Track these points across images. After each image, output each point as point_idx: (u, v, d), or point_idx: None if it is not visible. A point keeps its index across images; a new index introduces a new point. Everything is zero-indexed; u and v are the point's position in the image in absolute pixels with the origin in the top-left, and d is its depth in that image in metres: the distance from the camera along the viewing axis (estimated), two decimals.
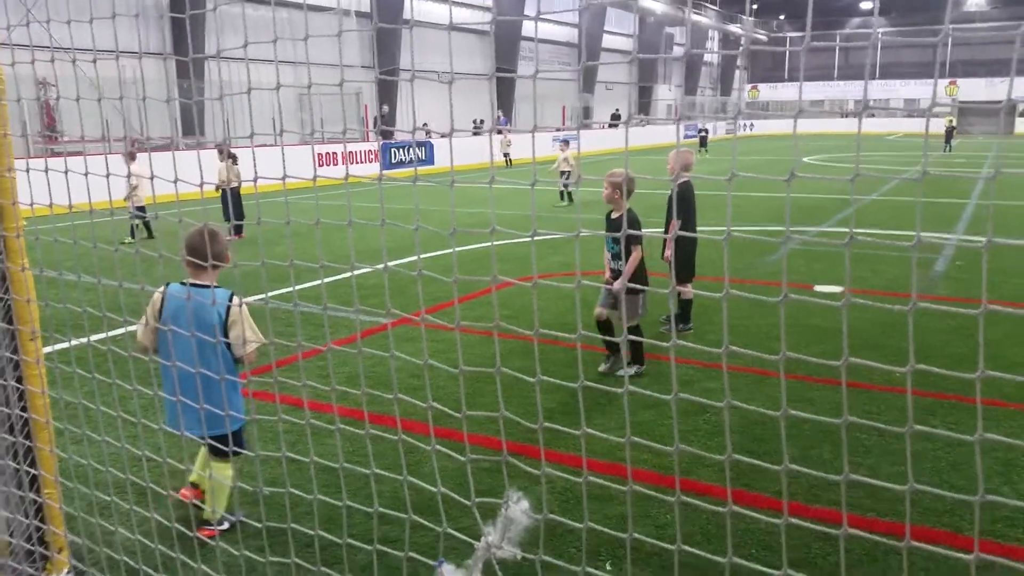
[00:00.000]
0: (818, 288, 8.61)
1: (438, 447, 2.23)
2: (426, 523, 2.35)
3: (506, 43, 38.38)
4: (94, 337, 3.07)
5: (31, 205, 2.97)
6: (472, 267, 10.16)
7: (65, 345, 3.14)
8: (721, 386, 4.49)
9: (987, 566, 2.51)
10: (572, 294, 1.91)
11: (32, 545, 3.15)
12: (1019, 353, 6.23)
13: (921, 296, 8.13)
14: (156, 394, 3.13)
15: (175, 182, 2.41)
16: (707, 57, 61.33)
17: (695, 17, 51.65)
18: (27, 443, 3.10)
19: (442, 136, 26.49)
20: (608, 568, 3.44)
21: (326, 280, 8.92)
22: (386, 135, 27.62)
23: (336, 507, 2.44)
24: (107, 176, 2.71)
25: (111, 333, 3.16)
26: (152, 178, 2.50)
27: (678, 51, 54.64)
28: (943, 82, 55.02)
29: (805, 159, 29.67)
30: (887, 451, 4.58)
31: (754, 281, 9.11)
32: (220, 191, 12.68)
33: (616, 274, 5.78)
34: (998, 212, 14.67)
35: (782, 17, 66.38)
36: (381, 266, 2.22)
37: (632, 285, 4.26)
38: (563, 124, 38.02)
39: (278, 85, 2.23)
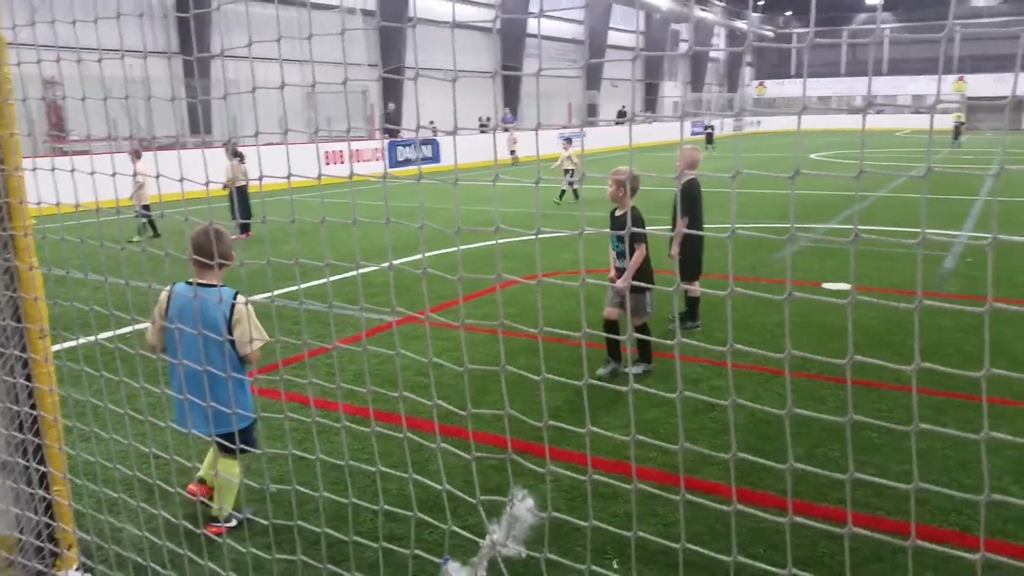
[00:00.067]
0: (827, 285, 8.58)
1: (443, 445, 2.24)
2: (432, 521, 2.35)
3: (512, 40, 38.34)
4: (102, 335, 3.08)
5: (38, 204, 2.98)
6: (478, 265, 10.17)
7: (73, 343, 3.15)
8: (732, 384, 4.49)
9: (994, 566, 2.50)
10: (579, 292, 1.91)
11: (42, 542, 3.17)
12: None
13: (931, 294, 8.09)
14: (163, 392, 3.15)
15: (181, 181, 2.42)
16: (713, 53, 61.17)
17: (701, 13, 51.50)
18: (36, 440, 3.12)
19: (447, 134, 26.50)
20: (615, 566, 3.44)
21: (333, 278, 8.96)
22: (391, 133, 27.63)
23: (343, 505, 2.44)
24: (113, 175, 2.73)
25: (119, 331, 3.17)
26: (158, 177, 2.51)
27: (682, 48, 54.47)
28: (951, 78, 54.73)
29: (813, 156, 29.57)
30: (896, 449, 4.56)
31: (765, 279, 9.08)
32: (227, 190, 12.73)
33: (621, 272, 5.76)
34: (1008, 209, 14.59)
35: (789, 13, 66.13)
36: (386, 264, 2.23)
37: (637, 283, 4.25)
38: (569, 121, 37.97)
39: (282, 84, 2.23)
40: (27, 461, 3.11)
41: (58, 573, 3.21)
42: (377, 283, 8.95)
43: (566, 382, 2.10)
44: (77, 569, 3.22)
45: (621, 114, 43.32)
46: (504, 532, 2.27)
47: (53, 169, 2.77)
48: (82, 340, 3.14)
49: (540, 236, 2.03)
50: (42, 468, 3.15)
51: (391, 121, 29.32)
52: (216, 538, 3.49)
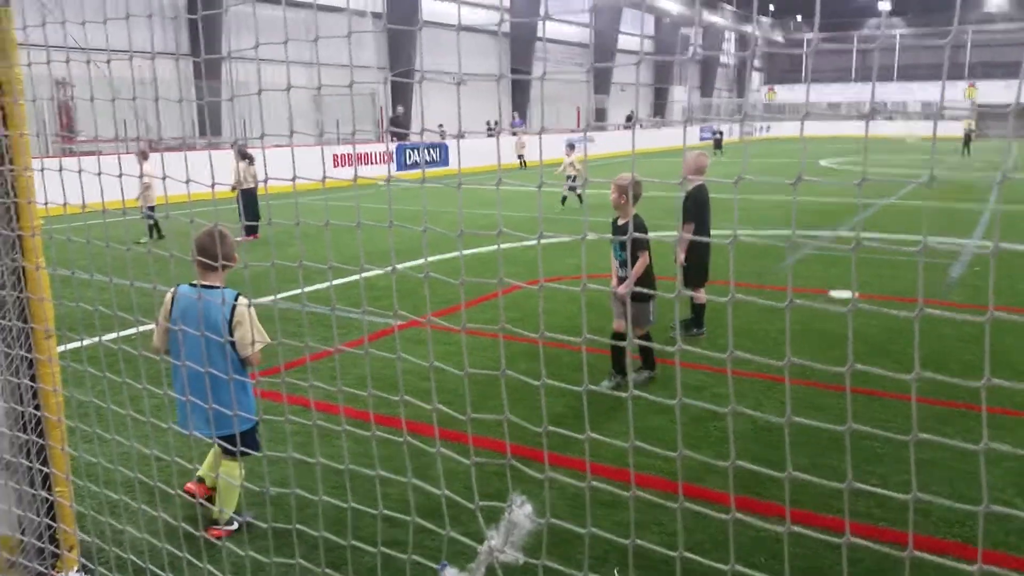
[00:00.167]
0: (833, 293, 8.54)
1: (443, 450, 2.23)
2: (430, 526, 2.35)
3: (522, 44, 38.39)
4: (106, 337, 3.09)
5: (46, 204, 3.00)
6: (483, 269, 10.17)
7: (77, 344, 3.17)
8: (733, 392, 4.47)
9: None
10: (581, 298, 1.91)
11: (43, 543, 3.18)
12: None
13: (935, 302, 8.04)
14: (166, 394, 3.16)
15: (187, 182, 2.43)
16: (724, 58, 61.11)
17: (711, 18, 51.44)
18: (40, 441, 3.13)
19: (454, 137, 26.52)
20: (616, 574, 3.43)
21: (338, 282, 8.97)
22: (399, 136, 27.70)
23: (343, 509, 2.44)
24: (120, 176, 2.74)
25: (122, 333, 3.18)
26: (164, 178, 2.52)
27: (691, 52, 54.40)
28: (962, 84, 54.48)
29: (822, 162, 29.48)
30: (899, 459, 4.53)
31: (771, 286, 9.05)
32: (235, 192, 12.77)
33: (623, 282, 5.72)
34: (1015, 217, 14.51)
35: (799, 18, 66.01)
36: (390, 268, 2.23)
37: (639, 290, 4.22)
38: (578, 126, 37.96)
39: (288, 86, 2.24)
40: (30, 462, 3.12)
41: (58, 575, 3.22)
42: (382, 287, 8.96)
43: (568, 388, 2.10)
44: (78, 571, 3.23)
45: (630, 119, 43.31)
46: (502, 538, 2.26)
47: (61, 170, 2.79)
48: (87, 341, 3.16)
49: (543, 241, 2.02)
50: (45, 469, 3.16)
51: (401, 124, 29.36)
52: (216, 541, 3.50)
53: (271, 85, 2.26)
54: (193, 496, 3.75)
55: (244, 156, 13.12)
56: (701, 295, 6.97)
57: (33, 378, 3.13)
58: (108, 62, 2.53)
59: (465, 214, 2.16)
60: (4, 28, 2.94)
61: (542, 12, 37.74)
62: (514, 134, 28.19)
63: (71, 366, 3.31)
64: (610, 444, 2.02)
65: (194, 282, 3.59)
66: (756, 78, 68.19)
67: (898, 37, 59.40)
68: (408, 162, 26.38)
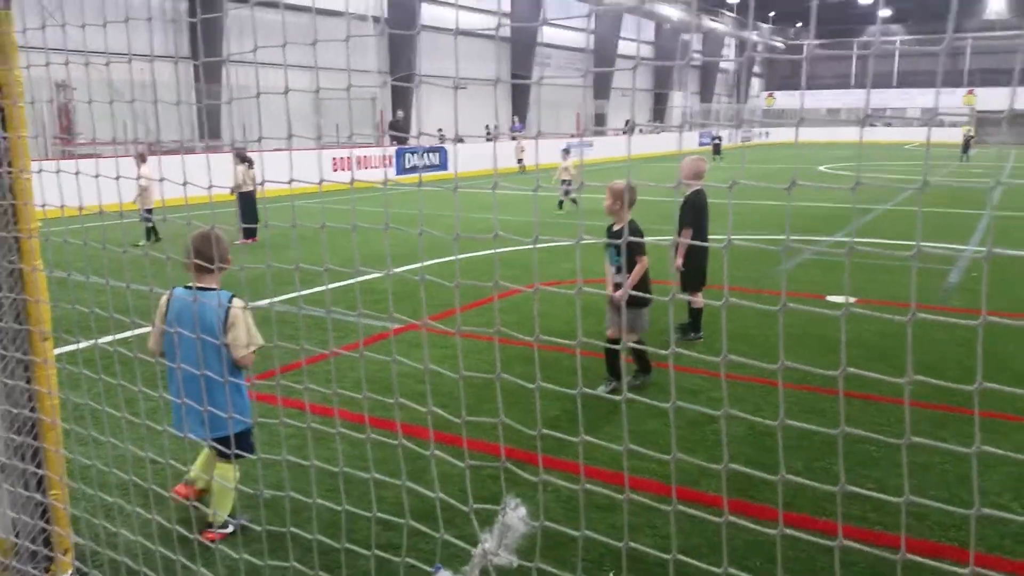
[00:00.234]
0: (831, 298, 8.55)
1: (438, 453, 2.23)
2: (425, 529, 2.35)
3: (522, 49, 38.45)
4: (102, 339, 3.09)
5: (43, 206, 3.00)
6: (480, 273, 10.17)
7: (73, 347, 3.16)
8: (729, 396, 4.47)
9: None
10: (576, 302, 1.91)
11: (37, 546, 3.17)
12: None
13: (933, 307, 8.05)
14: (161, 396, 3.15)
15: (184, 185, 2.43)
16: (723, 64, 61.23)
17: (711, 24, 51.54)
18: (35, 444, 3.12)
19: (452, 142, 26.55)
20: None
21: (335, 285, 8.97)
22: (398, 140, 27.71)
23: (338, 512, 2.44)
24: (117, 179, 2.74)
25: (118, 336, 3.18)
26: (161, 180, 2.52)
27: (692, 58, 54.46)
28: (961, 91, 54.61)
29: (822, 168, 29.51)
30: (895, 463, 4.53)
31: (768, 291, 9.05)
32: (234, 195, 12.79)
33: (619, 288, 5.70)
34: (1012, 223, 14.53)
35: (799, 24, 66.15)
36: (386, 271, 2.23)
37: (635, 294, 4.20)
38: (577, 130, 38.00)
39: (286, 89, 2.24)
40: (25, 464, 3.12)
41: None
42: (379, 290, 8.96)
43: (563, 391, 2.10)
44: (71, 574, 3.22)
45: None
46: (496, 541, 2.26)
47: (58, 172, 2.79)
48: (82, 344, 3.15)
49: (539, 245, 2.03)
50: (40, 472, 3.15)
51: (400, 128, 29.38)
52: (210, 544, 3.49)
53: (270, 89, 2.27)
54: (186, 499, 3.74)
55: (243, 159, 13.14)
56: (699, 299, 6.97)
57: (29, 380, 3.13)
58: (107, 64, 2.54)
59: (462, 218, 2.17)
60: (4, 31, 2.95)
61: (542, 17, 37.80)
62: (514, 138, 28.21)
63: (67, 368, 3.31)
64: (605, 447, 2.02)
65: (189, 284, 3.59)
66: (756, 84, 68.31)
67: (898, 44, 59.54)
68: (407, 166, 26.40)
